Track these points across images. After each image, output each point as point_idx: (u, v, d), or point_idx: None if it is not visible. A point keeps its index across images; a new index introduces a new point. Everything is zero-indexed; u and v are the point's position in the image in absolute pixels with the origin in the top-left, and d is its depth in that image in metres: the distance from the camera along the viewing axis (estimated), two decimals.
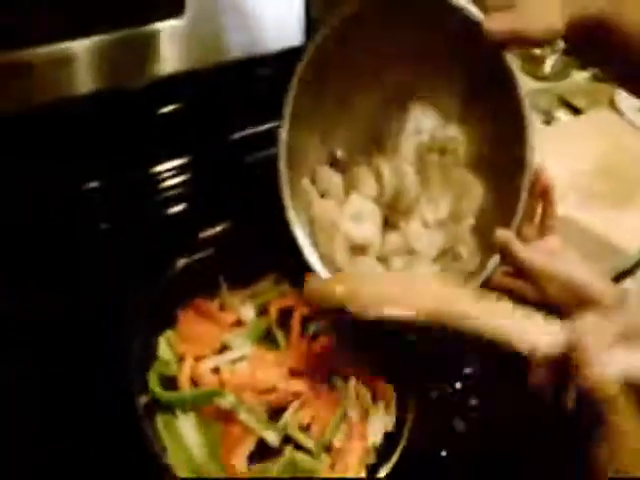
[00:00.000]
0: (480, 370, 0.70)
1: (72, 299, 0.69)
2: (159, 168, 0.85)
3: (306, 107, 0.65)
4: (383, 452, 0.60)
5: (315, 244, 0.68)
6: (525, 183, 0.56)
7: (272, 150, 0.67)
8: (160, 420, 0.60)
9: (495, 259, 0.58)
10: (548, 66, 1.23)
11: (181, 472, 0.56)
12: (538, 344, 0.46)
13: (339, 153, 0.72)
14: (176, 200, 0.85)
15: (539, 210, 0.60)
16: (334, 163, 0.72)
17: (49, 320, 0.66)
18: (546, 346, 0.46)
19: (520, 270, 0.55)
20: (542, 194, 0.59)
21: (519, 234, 0.57)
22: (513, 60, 0.56)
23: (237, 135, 0.91)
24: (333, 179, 0.70)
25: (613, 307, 0.45)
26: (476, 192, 0.65)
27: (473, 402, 0.67)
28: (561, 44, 1.03)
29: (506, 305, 0.51)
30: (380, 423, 0.61)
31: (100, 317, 0.66)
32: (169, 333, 0.68)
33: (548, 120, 1.16)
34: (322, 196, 0.70)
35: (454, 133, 0.66)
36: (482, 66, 0.58)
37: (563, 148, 1.00)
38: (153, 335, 0.67)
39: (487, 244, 0.59)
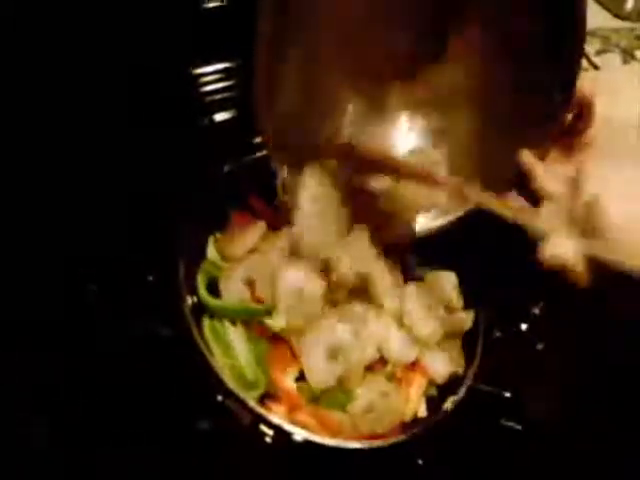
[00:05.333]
0: (546, 311, 0.64)
1: (124, 197, 0.64)
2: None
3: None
4: (446, 387, 0.55)
5: None
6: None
7: None
8: (207, 324, 0.55)
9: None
10: (630, 4, 1.15)
11: (226, 377, 0.51)
12: None
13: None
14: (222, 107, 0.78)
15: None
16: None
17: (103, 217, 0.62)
18: None
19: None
20: (582, 107, 0.52)
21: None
22: None
23: None
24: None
25: None
26: None
27: (539, 347, 0.62)
28: None
29: None
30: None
31: (151, 215, 0.62)
32: (219, 235, 0.62)
33: (626, 60, 1.10)
34: None
35: None
36: None
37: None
38: (203, 235, 0.61)
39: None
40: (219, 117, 0.78)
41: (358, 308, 0.57)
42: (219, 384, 0.50)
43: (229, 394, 0.49)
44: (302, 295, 0.56)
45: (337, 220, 0.59)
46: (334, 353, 0.55)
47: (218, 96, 0.79)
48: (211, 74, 0.79)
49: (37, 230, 0.59)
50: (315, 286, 0.56)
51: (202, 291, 0.57)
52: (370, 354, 0.56)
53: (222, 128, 0.77)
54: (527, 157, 0.52)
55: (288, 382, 0.54)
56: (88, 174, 0.64)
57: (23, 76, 0.63)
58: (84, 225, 0.61)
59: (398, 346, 0.57)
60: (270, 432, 0.49)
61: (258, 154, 0.68)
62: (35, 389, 0.50)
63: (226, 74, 0.79)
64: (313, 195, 0.58)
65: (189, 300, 0.55)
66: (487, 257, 0.61)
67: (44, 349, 0.52)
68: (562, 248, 0.44)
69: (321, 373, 0.54)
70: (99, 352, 0.54)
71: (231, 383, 0.51)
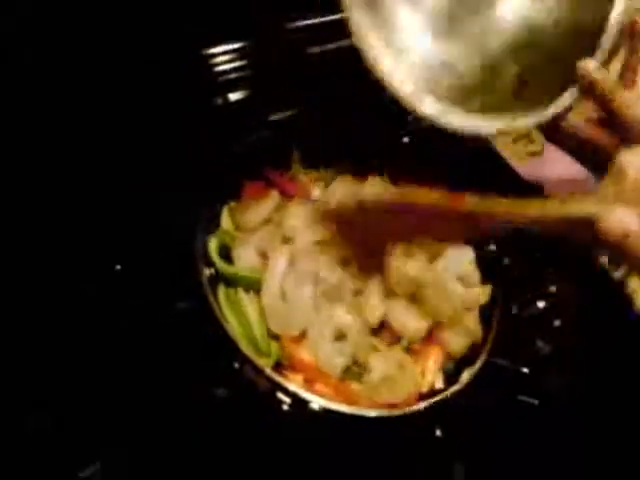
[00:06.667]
0: (563, 288, 0.64)
1: (140, 173, 0.62)
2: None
3: None
4: (463, 359, 0.55)
5: None
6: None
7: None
8: (222, 291, 0.55)
9: (572, 92, 0.47)
10: None
11: (241, 345, 0.51)
12: None
13: None
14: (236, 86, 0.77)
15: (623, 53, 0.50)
16: None
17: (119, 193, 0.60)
18: None
19: (604, 110, 0.46)
20: (632, 34, 0.48)
21: None
22: None
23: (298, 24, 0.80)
24: None
25: None
26: None
27: (556, 323, 0.61)
28: None
29: None
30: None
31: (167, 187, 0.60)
32: (233, 205, 0.62)
33: None
34: None
35: None
36: None
37: None
38: (218, 205, 0.61)
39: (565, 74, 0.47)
40: (233, 96, 0.76)
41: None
42: (236, 351, 0.49)
43: (246, 361, 0.49)
44: None
45: None
46: (340, 334, 0.54)
47: (232, 75, 0.78)
48: (224, 54, 0.77)
49: (53, 208, 0.58)
50: None
51: (214, 256, 0.56)
52: (372, 320, 0.55)
53: (237, 107, 0.76)
54: (588, 65, 0.45)
55: (303, 353, 0.54)
56: (104, 151, 0.63)
57: (34, 57, 0.62)
58: (100, 201, 0.60)
59: (411, 321, 0.56)
60: (287, 400, 0.48)
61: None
62: (37, 377, 0.49)
63: (239, 53, 0.78)
64: None
65: (206, 270, 0.55)
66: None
67: (54, 327, 0.51)
68: (627, 217, 0.36)
69: (333, 357, 0.53)
70: (117, 322, 0.53)
71: (247, 351, 0.50)
